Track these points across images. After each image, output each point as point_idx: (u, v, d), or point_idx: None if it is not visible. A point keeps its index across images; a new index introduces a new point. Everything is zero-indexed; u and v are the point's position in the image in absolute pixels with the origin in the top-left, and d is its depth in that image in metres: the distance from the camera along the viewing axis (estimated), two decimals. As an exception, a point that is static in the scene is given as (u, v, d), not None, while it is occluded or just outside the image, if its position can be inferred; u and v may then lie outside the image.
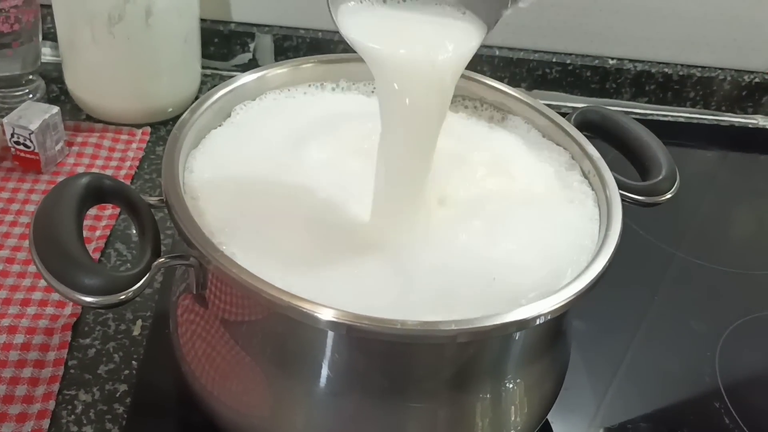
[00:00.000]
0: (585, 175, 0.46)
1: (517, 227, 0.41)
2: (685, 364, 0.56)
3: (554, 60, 0.84)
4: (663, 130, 0.84)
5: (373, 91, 0.50)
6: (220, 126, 0.46)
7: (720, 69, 0.86)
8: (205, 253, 0.35)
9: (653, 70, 0.85)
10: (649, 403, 0.53)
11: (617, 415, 0.52)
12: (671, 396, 0.54)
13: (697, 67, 0.86)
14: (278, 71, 0.48)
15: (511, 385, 0.40)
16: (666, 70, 0.85)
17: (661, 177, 0.46)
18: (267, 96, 0.48)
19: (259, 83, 0.47)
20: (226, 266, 0.34)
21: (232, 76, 0.47)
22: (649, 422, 0.51)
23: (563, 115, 0.49)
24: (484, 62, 0.83)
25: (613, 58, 0.85)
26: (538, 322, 0.35)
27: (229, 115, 0.46)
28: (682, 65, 0.86)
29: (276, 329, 0.38)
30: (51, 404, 0.46)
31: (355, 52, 0.38)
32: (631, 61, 0.85)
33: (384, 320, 0.33)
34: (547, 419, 0.49)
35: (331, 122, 0.47)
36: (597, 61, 0.84)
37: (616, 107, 0.85)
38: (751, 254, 0.69)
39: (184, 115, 0.43)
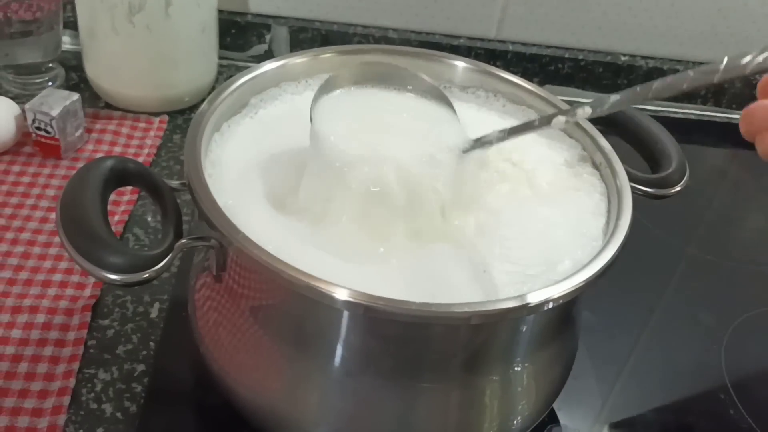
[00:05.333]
0: (596, 167, 0.46)
1: (521, 215, 0.42)
2: (692, 356, 0.57)
3: (567, 55, 0.85)
4: (674, 126, 0.84)
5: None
6: (240, 113, 0.47)
7: (730, 67, 0.86)
8: (226, 234, 0.36)
9: (665, 67, 0.85)
10: (655, 394, 0.54)
11: (623, 406, 0.52)
12: (677, 387, 0.55)
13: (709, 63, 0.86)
14: (297, 61, 0.49)
15: (520, 369, 0.41)
16: (678, 66, 0.86)
17: (670, 170, 0.47)
18: (289, 85, 0.49)
19: (278, 72, 0.48)
20: (246, 247, 0.35)
21: (248, 67, 0.48)
22: (655, 413, 0.52)
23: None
24: (497, 57, 0.84)
25: (625, 54, 0.85)
26: (548, 307, 0.36)
27: (248, 103, 0.47)
28: (694, 62, 0.86)
29: (294, 310, 0.39)
30: (71, 382, 0.47)
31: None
32: (643, 57, 0.86)
33: (399, 301, 0.34)
34: (554, 409, 0.51)
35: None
36: (609, 57, 0.85)
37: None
38: (759, 249, 0.70)
39: (204, 103, 0.44)
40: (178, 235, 0.38)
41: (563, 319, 0.43)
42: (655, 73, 0.85)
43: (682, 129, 0.85)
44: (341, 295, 0.34)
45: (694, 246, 0.68)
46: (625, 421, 0.52)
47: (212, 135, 0.44)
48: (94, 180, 0.38)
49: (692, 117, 0.88)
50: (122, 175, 0.40)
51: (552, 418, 0.51)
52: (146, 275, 0.36)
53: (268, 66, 0.48)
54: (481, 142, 0.43)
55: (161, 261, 0.36)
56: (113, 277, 0.35)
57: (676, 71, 0.84)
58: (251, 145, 0.45)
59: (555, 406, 0.50)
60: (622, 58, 0.85)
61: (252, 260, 0.35)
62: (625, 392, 0.53)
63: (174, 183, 0.41)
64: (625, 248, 0.40)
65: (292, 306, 0.39)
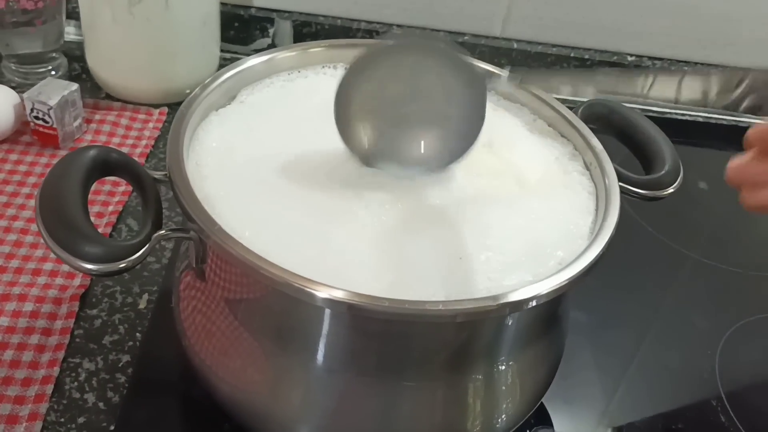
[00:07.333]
0: (587, 166, 0.46)
1: (505, 208, 0.42)
2: (686, 361, 0.56)
3: (572, 55, 0.84)
4: (680, 129, 0.83)
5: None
6: (229, 104, 0.47)
7: (741, 69, 0.85)
8: (204, 227, 0.36)
9: (672, 68, 0.84)
10: (648, 399, 0.53)
11: (619, 411, 0.52)
12: (670, 393, 0.54)
13: (718, 66, 0.85)
14: (287, 54, 0.49)
15: (504, 368, 0.40)
16: (685, 68, 0.84)
17: (664, 171, 0.46)
18: (279, 76, 0.49)
19: (267, 65, 0.48)
20: (224, 241, 0.35)
21: (246, 61, 0.48)
22: (645, 418, 0.52)
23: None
24: (501, 55, 0.84)
25: (631, 55, 0.85)
26: (531, 305, 0.35)
27: (237, 95, 0.47)
28: (702, 64, 0.85)
29: (273, 305, 0.39)
30: (55, 371, 0.47)
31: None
32: (650, 58, 0.85)
33: (378, 299, 0.33)
34: (548, 412, 0.50)
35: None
36: (615, 57, 0.84)
37: (633, 104, 0.85)
38: (761, 255, 0.69)
39: (192, 94, 0.44)
40: (157, 226, 0.38)
41: (548, 317, 0.42)
42: (661, 74, 0.84)
43: (688, 131, 0.85)
44: (320, 292, 0.34)
45: (694, 250, 0.67)
46: (620, 428, 0.51)
47: (199, 124, 0.44)
48: (76, 169, 0.38)
49: (699, 119, 0.87)
50: (105, 165, 0.39)
51: (544, 421, 0.50)
52: (123, 265, 0.35)
53: (257, 60, 0.47)
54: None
55: (138, 251, 0.36)
56: (89, 266, 0.35)
57: (683, 72, 0.84)
58: (240, 134, 0.45)
59: (550, 408, 0.50)
60: (629, 59, 0.84)
61: (229, 254, 0.35)
62: (621, 396, 0.53)
63: (158, 174, 0.41)
64: (611, 248, 0.39)
65: (271, 301, 0.38)
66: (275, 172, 0.42)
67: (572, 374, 0.53)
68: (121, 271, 0.35)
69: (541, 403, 0.48)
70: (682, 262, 0.66)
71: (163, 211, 0.39)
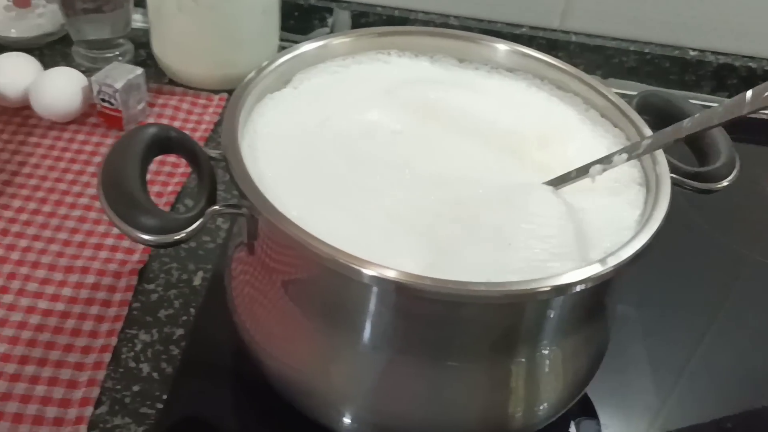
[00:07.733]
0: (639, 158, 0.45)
1: (552, 199, 0.42)
2: (740, 363, 0.55)
3: (632, 48, 0.82)
4: (744, 127, 0.81)
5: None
6: (284, 88, 0.48)
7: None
8: (256, 203, 0.37)
9: (737, 64, 0.82)
10: (700, 398, 0.52)
11: (668, 408, 0.51)
12: (722, 394, 0.53)
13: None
14: (341, 40, 0.50)
15: (547, 352, 0.40)
16: (750, 64, 0.82)
17: (719, 164, 0.45)
18: (333, 62, 0.50)
19: (322, 51, 0.49)
20: (273, 217, 0.36)
21: (300, 48, 0.49)
22: (696, 416, 0.51)
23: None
24: (559, 47, 0.83)
25: (694, 50, 0.83)
26: (578, 289, 0.35)
27: (291, 80, 0.48)
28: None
29: (320, 283, 0.39)
30: (113, 340, 0.49)
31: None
32: (713, 53, 0.83)
33: (421, 277, 0.34)
34: (592, 404, 0.50)
35: (395, 86, 0.48)
36: (677, 52, 0.83)
37: (695, 101, 0.83)
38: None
39: (248, 77, 0.45)
40: (211, 202, 0.39)
41: (593, 305, 0.42)
42: (725, 69, 0.82)
43: (752, 130, 0.82)
44: (368, 270, 0.34)
45: (754, 249, 0.65)
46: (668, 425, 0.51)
47: (254, 107, 0.45)
48: (137, 146, 0.39)
49: (764, 117, 0.84)
50: (164, 142, 0.41)
51: (588, 413, 0.50)
52: (177, 237, 0.37)
53: (311, 45, 0.48)
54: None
55: (192, 225, 0.37)
56: (145, 237, 0.36)
57: (748, 68, 0.82)
58: (293, 118, 0.46)
59: (596, 401, 0.50)
60: (691, 53, 0.83)
61: (278, 230, 0.36)
62: (670, 395, 0.52)
63: (214, 152, 0.42)
64: (664, 242, 0.39)
65: (319, 279, 0.39)
66: (325, 156, 0.43)
67: (622, 369, 0.52)
68: (175, 243, 0.37)
69: (587, 395, 0.48)
70: (740, 261, 0.64)
71: (221, 193, 0.41)
